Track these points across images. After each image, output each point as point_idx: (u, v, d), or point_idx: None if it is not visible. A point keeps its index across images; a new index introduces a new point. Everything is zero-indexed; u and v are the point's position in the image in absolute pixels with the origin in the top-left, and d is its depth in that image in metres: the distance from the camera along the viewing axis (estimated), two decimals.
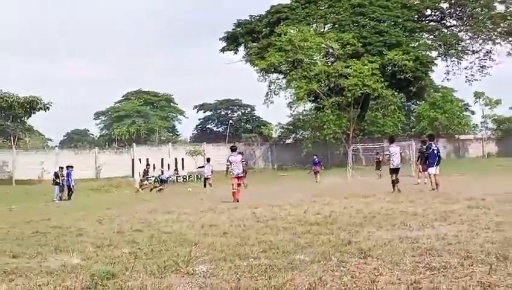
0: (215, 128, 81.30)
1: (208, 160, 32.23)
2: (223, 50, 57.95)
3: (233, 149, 20.36)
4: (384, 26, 51.73)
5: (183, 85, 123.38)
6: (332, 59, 52.20)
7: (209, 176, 30.71)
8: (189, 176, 46.50)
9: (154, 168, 45.85)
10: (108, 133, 73.48)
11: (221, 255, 7.43)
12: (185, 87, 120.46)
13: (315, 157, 36.94)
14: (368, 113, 56.14)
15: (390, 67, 50.35)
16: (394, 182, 20.07)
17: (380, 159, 34.39)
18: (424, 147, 21.33)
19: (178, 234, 9.94)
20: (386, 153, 22.74)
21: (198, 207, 16.11)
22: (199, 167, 37.40)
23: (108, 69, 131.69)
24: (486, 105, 58.53)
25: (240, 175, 19.77)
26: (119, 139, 64.16)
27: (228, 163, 19.83)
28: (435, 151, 20.32)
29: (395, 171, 20.51)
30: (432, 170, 20.00)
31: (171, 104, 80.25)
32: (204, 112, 79.99)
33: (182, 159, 49.48)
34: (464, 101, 64.83)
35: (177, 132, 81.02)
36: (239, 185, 19.49)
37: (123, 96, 79.07)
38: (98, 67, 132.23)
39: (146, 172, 37.95)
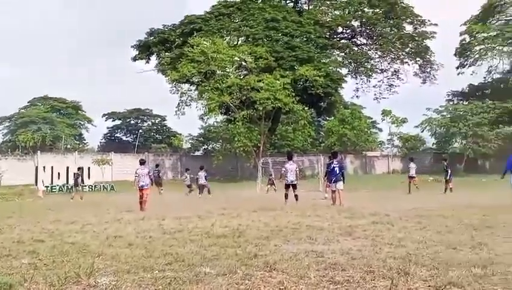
0: (124, 138, 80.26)
1: (201, 167, 33.79)
2: (134, 59, 57.23)
3: (141, 163, 21.82)
4: (296, 42, 52.47)
5: (92, 93, 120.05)
6: (245, 72, 52.58)
7: (205, 183, 32.70)
8: (95, 186, 45.40)
9: (58, 177, 45.44)
10: (12, 139, 71.01)
11: (125, 267, 7.33)
12: (94, 95, 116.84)
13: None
14: (278, 127, 56.78)
15: (301, 83, 51.15)
16: (285, 197, 21.30)
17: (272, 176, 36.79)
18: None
19: (81, 245, 9.75)
20: (283, 169, 23.30)
21: (103, 217, 15.91)
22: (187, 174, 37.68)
23: (13, 73, 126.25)
24: (393, 123, 60.84)
25: (144, 187, 20.78)
26: (23, 145, 62.23)
27: (136, 175, 21.02)
28: (335, 169, 21.23)
29: (288, 186, 21.67)
30: (332, 186, 21.18)
31: (79, 111, 78.23)
32: (113, 121, 78.74)
33: (89, 168, 48.21)
34: (371, 118, 67.33)
35: (85, 140, 78.86)
36: (141, 196, 20.50)
37: (28, 102, 76.27)
38: (2, 71, 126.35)
39: (77, 178, 36.28)
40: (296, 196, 21.62)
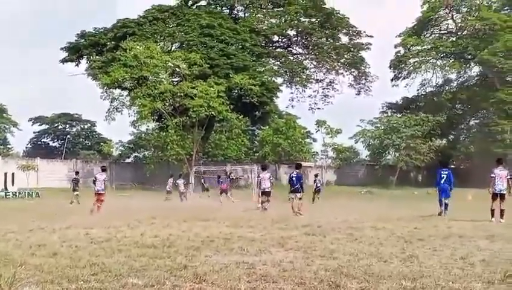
0: (51, 143, 79.40)
1: (180, 175, 36.06)
2: (63, 61, 56.13)
3: (103, 169, 25.44)
4: (232, 50, 53.03)
5: (18, 95, 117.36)
6: (179, 79, 52.60)
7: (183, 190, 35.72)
8: (19, 192, 44.03)
9: None
10: None
11: (48, 277, 7.24)
12: (20, 98, 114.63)
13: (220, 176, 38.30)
14: (212, 135, 57.05)
15: (236, 91, 51.81)
16: (262, 202, 23.37)
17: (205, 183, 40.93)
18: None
19: (3, 254, 9.47)
20: (258, 178, 26.34)
21: (27, 225, 15.56)
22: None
23: None
24: (327, 134, 62.28)
25: (100, 192, 23.64)
26: None
27: (95, 180, 24.07)
28: (293, 179, 22.56)
29: (264, 193, 23.67)
30: (291, 196, 22.41)
31: (4, 114, 76.79)
32: (40, 125, 77.36)
33: (13, 174, 46.92)
34: (306, 128, 68.48)
35: (9, 144, 77.50)
36: (98, 200, 23.19)
37: None
38: None
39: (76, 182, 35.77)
40: (268, 200, 23.61)
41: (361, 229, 14.54)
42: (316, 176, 38.67)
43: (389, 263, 8.85)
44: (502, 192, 18.92)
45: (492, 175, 19.35)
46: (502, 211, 18.53)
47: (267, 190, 24.45)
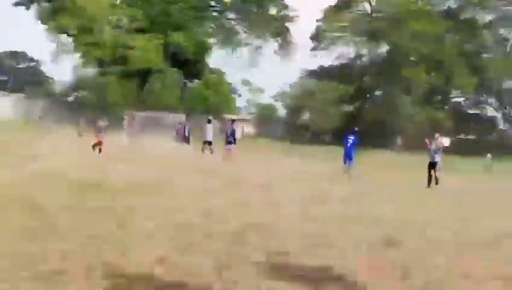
0: None
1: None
2: (16, 4, 58.74)
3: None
4: (172, 9, 57.00)
5: None
6: (120, 31, 56.98)
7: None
8: None
9: None
10: None
11: None
12: None
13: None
14: (148, 85, 61.23)
15: (173, 47, 55.97)
16: (203, 149, 27.79)
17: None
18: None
19: None
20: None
21: None
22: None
23: None
24: (250, 92, 67.89)
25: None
26: None
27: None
28: (227, 132, 26.50)
29: (207, 142, 27.97)
30: (227, 147, 26.25)
31: None
32: None
33: None
34: (232, 84, 73.70)
35: None
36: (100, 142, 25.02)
37: None
38: None
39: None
40: (212, 149, 27.62)
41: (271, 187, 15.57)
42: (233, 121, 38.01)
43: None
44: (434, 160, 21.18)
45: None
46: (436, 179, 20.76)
47: (209, 139, 28.27)
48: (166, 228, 8.28)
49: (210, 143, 28.11)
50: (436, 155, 21.61)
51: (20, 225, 7.68)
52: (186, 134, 39.00)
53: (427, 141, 22.69)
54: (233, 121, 28.81)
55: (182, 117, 52.97)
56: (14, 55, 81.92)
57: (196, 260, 6.35)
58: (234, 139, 26.26)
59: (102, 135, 27.63)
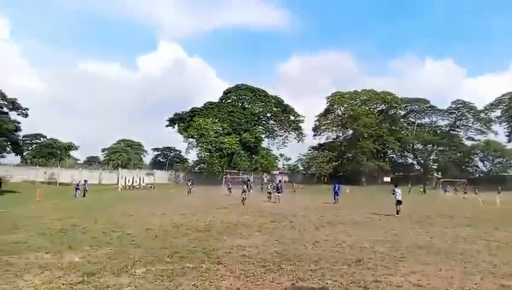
0: (161, 160, 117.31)
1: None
2: (168, 125, 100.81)
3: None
4: (242, 121, 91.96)
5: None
6: (217, 134, 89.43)
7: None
8: (146, 185, 66.94)
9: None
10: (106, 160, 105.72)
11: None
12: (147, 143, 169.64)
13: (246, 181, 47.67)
14: (233, 160, 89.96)
15: (244, 140, 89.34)
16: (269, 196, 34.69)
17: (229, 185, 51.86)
18: None
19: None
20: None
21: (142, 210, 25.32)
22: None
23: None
24: (284, 159, 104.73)
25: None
26: (114, 164, 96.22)
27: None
28: (278, 185, 33.38)
29: (272, 192, 34.62)
30: (276, 194, 33.14)
31: (140, 146, 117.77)
32: (155, 151, 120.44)
33: (141, 177, 71.42)
34: (275, 156, 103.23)
35: (142, 162, 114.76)
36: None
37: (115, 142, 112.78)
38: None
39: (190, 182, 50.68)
40: (277, 198, 34.45)
41: (296, 216, 21.66)
42: (279, 181, 43.81)
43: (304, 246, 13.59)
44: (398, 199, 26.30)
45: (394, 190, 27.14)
46: (398, 211, 25.80)
47: (271, 190, 33.26)
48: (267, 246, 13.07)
49: (270, 193, 34.32)
50: (397, 195, 26.82)
51: (184, 236, 14.61)
52: (249, 187, 43.17)
53: (392, 188, 28.28)
54: (280, 180, 35.39)
55: (250, 175, 73.59)
56: (169, 149, 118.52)
57: None
58: (282, 189, 33.04)
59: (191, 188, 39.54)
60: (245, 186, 35.09)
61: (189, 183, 52.47)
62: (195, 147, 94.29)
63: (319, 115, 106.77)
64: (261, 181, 71.96)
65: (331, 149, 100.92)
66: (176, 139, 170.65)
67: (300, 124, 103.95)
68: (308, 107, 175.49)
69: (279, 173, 75.93)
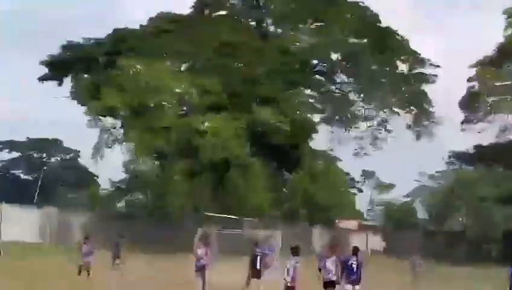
0: (22, 176, 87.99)
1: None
2: (43, 79, 62.83)
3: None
4: (257, 75, 58.06)
5: None
6: (187, 109, 59.02)
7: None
8: None
9: None
10: None
11: None
12: None
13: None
14: (227, 182, 61.30)
15: (260, 128, 56.62)
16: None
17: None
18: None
19: None
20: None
21: None
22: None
23: None
24: (375, 188, 66.00)
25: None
26: None
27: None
28: (352, 265, 23.90)
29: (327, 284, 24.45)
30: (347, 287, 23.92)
31: None
32: (9, 153, 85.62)
33: None
34: (349, 174, 72.75)
35: None
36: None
37: None
38: None
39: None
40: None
41: None
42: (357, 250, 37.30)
43: None
44: None
45: None
46: None
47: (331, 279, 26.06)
48: None
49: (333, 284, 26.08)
50: None
51: None
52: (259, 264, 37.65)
53: None
54: (356, 249, 25.38)
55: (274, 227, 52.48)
56: (45, 143, 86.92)
57: None
58: (361, 276, 24.15)
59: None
60: (257, 258, 28.07)
61: (116, 248, 35.55)
62: (121, 142, 62.62)
63: (482, 62, 69.27)
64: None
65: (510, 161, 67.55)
66: (64, 120, 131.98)
67: (423, 87, 68.80)
68: (443, 50, 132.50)
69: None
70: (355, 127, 67.61)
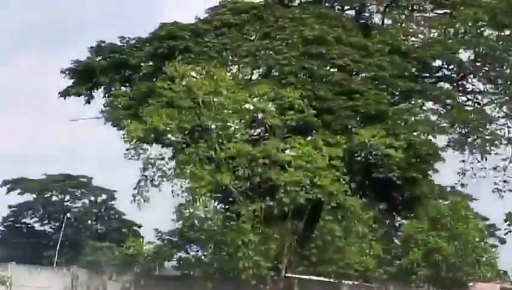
0: (37, 227, 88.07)
1: None
2: (64, 94, 61.35)
3: None
4: (358, 82, 56.28)
5: None
6: (260, 132, 57.40)
7: None
8: None
9: None
10: None
11: None
12: None
13: None
14: (317, 229, 60.12)
15: (363, 157, 55.22)
16: None
17: None
18: None
19: None
20: None
21: None
22: None
23: None
24: None
25: None
26: None
27: None
28: None
29: None
30: None
31: None
32: (21, 194, 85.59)
33: None
34: (488, 219, 69.82)
35: None
36: None
37: None
38: None
39: None
40: None
41: None
42: None
43: None
44: None
45: None
46: None
47: None
48: None
49: None
50: None
51: None
52: None
53: None
54: None
55: None
56: (67, 181, 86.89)
57: None
58: None
59: None
60: None
61: None
62: (171, 178, 58.09)
63: None
64: None
65: None
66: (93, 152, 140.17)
67: None
68: None
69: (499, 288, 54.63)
70: (496, 153, 63.27)
